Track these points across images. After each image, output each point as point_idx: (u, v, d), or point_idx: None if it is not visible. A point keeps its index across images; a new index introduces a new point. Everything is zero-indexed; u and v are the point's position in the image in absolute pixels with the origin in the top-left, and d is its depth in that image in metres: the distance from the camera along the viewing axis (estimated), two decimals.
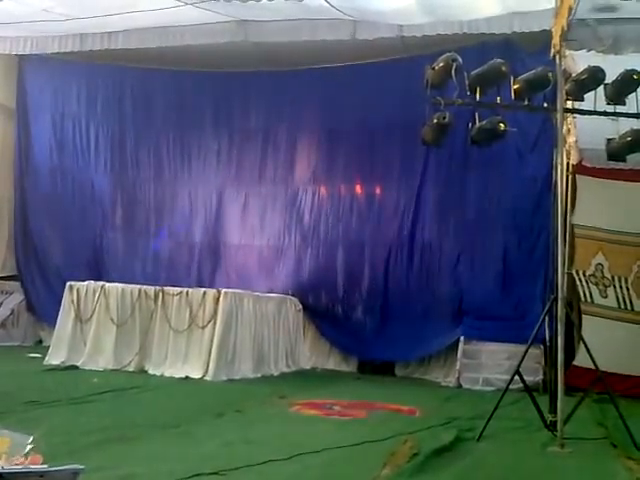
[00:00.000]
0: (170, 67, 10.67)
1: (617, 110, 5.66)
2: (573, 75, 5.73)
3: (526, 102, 5.81)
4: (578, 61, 5.98)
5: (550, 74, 5.55)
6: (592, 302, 8.57)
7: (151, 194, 11.00)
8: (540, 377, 7.86)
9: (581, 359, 6.88)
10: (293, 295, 9.79)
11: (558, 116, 5.49)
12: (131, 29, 9.34)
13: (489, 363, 8.77)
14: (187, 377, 7.81)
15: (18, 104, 11.40)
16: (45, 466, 2.51)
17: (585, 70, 5.57)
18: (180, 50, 9.54)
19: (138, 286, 8.53)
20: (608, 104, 5.63)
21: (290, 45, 9.15)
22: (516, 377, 5.41)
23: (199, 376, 7.83)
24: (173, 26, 9.12)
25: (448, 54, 5.72)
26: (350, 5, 7.91)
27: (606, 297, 8.54)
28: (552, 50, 5.55)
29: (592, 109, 5.66)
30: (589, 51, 5.86)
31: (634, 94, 5.62)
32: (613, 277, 8.54)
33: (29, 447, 2.56)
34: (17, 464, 2.46)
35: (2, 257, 11.28)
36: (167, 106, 10.97)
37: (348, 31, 8.66)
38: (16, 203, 11.30)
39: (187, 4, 8.16)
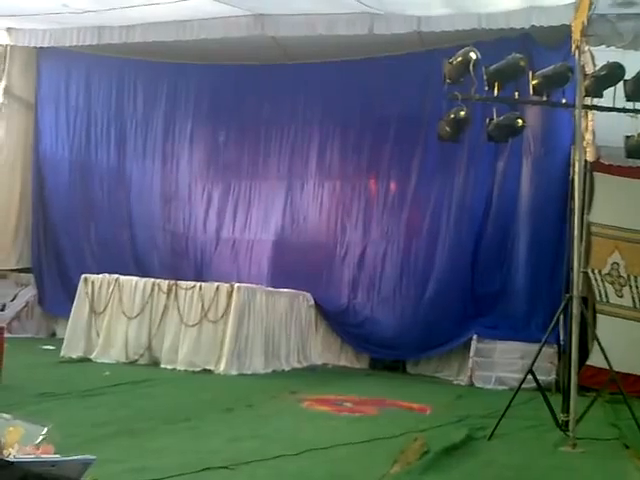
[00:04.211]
0: (186, 60, 10.69)
1: (637, 107, 5.57)
2: (588, 71, 5.65)
3: (545, 98, 5.74)
4: (597, 57, 5.91)
5: (569, 70, 5.49)
6: (607, 301, 8.48)
7: (167, 187, 11.03)
8: (553, 376, 7.80)
9: (595, 359, 6.83)
10: (305, 291, 9.77)
11: (577, 113, 5.42)
12: (149, 23, 9.36)
13: (502, 362, 8.71)
14: (198, 371, 7.84)
15: (37, 97, 11.48)
16: (57, 456, 2.52)
17: (604, 66, 5.50)
18: (196, 43, 9.55)
19: (152, 279, 8.54)
20: (627, 101, 5.55)
21: (307, 39, 9.12)
22: (529, 376, 5.36)
23: (210, 370, 7.85)
24: (190, 20, 9.12)
25: (466, 48, 5.66)
26: None
27: (622, 296, 8.45)
28: (572, 45, 5.47)
29: (611, 106, 5.59)
30: (609, 47, 5.79)
31: None
32: (629, 276, 8.45)
33: (41, 437, 2.58)
34: (29, 454, 2.47)
35: (19, 249, 11.37)
36: (182, 99, 10.99)
37: (365, 26, 8.60)
38: (34, 196, 11.38)
39: None
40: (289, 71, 10.31)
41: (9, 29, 10.18)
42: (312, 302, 9.76)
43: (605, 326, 8.09)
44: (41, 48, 10.67)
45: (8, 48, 10.83)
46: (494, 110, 5.83)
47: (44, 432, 2.61)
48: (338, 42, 9.14)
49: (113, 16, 9.10)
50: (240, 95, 10.66)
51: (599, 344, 5.50)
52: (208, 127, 10.97)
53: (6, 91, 11.10)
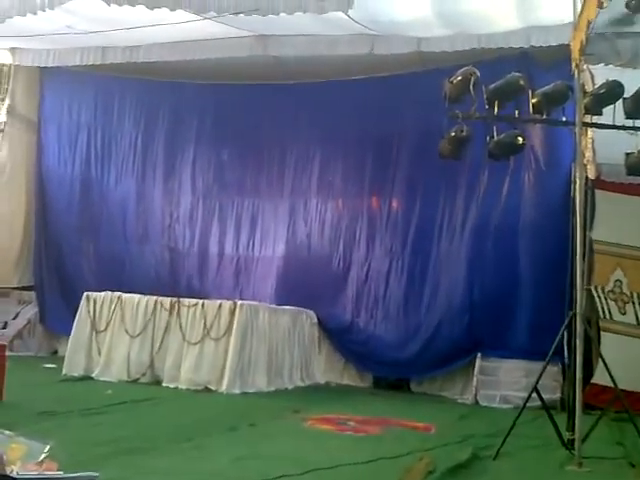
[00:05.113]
0: (189, 80, 10.77)
1: (636, 124, 5.61)
2: (588, 89, 5.69)
3: (545, 116, 5.79)
4: (596, 75, 5.95)
5: (568, 88, 5.53)
6: (611, 319, 8.45)
7: (168, 205, 11.05)
8: (558, 395, 7.75)
9: (599, 377, 6.79)
10: (308, 309, 9.74)
11: (577, 130, 5.45)
12: (152, 43, 9.45)
13: (507, 380, 8.65)
14: (201, 390, 7.80)
15: (40, 116, 11.55)
16: (60, 473, 2.50)
17: (604, 84, 5.54)
18: (199, 63, 9.62)
19: (154, 297, 8.53)
20: (627, 118, 5.59)
21: (308, 59, 9.20)
22: (534, 394, 5.33)
23: (213, 389, 7.82)
24: (193, 40, 9.21)
25: (466, 68, 5.72)
26: (369, 18, 7.93)
27: (625, 314, 8.41)
28: (571, 64, 5.52)
29: (611, 123, 5.62)
30: (607, 65, 5.83)
31: None
32: (632, 293, 8.42)
33: (44, 454, 2.56)
34: (32, 470, 2.46)
35: (22, 267, 11.38)
36: (185, 118, 11.05)
37: (366, 46, 8.68)
38: (37, 214, 11.41)
39: (206, 18, 8.23)
40: (291, 90, 10.37)
41: (13, 49, 10.28)
42: (315, 320, 9.73)
43: (609, 344, 8.04)
44: (45, 67, 10.75)
45: (12, 68, 10.93)
46: (494, 128, 5.87)
47: (47, 449, 2.59)
48: (339, 62, 9.22)
49: (116, 37, 9.19)
50: (242, 114, 10.70)
51: (603, 362, 5.48)
52: (210, 146, 11.01)
53: (9, 110, 11.19)
